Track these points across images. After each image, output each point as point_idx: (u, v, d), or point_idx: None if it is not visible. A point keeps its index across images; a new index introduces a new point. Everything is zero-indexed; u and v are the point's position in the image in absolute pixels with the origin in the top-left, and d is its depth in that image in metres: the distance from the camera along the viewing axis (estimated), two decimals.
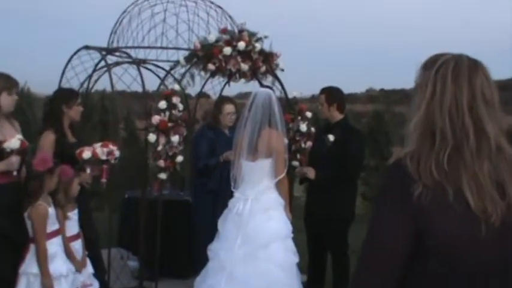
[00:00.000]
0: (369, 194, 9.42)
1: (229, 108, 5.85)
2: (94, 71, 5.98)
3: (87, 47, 6.02)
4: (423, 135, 1.71)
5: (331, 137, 5.48)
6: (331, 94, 5.59)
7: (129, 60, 6.09)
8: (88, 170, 4.83)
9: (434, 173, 1.64)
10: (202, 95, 7.12)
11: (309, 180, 5.64)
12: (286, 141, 5.07)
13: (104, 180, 4.96)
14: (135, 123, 11.24)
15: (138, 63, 6.04)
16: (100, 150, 4.84)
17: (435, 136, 1.69)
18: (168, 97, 5.53)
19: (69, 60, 5.96)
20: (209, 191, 5.76)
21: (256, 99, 4.82)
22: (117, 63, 6.05)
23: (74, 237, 4.56)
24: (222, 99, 6.06)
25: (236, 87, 6.64)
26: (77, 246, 4.57)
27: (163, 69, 6.46)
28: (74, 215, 4.56)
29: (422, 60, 1.79)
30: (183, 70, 5.88)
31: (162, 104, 5.50)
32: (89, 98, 6.35)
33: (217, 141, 5.79)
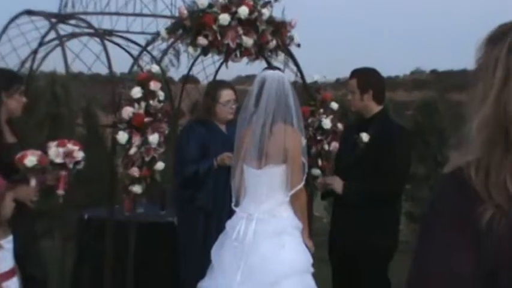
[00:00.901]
0: (416, 213, 9.28)
1: (227, 94, 5.77)
2: (40, 45, 5.97)
3: (29, 12, 5.98)
4: (492, 137, 1.64)
5: (364, 137, 5.39)
6: (365, 78, 5.48)
7: (90, 31, 6.09)
8: (32, 182, 4.75)
9: (510, 188, 1.58)
10: (190, 79, 7.14)
11: (334, 195, 5.56)
12: (304, 141, 5.06)
13: (60, 192, 4.96)
14: (98, 117, 11.18)
15: (102, 35, 6.06)
16: (55, 150, 4.82)
17: (509, 137, 1.63)
18: (143, 82, 5.49)
19: (3, 30, 5.95)
20: (200, 207, 5.71)
21: (266, 85, 4.82)
22: (72, 35, 6.10)
23: (8, 275, 4.34)
24: (218, 84, 5.99)
25: (235, 69, 6.71)
26: (13, 286, 4.38)
27: (136, 44, 6.47)
28: (7, 243, 4.37)
29: (487, 32, 1.69)
30: (164, 45, 5.92)
31: (136, 92, 5.46)
32: (33, 82, 6.70)
33: (210, 141, 5.74)
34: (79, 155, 4.91)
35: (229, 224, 4.90)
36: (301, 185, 4.84)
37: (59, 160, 4.82)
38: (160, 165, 5.54)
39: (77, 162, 4.93)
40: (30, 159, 4.70)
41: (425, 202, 1.75)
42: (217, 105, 5.76)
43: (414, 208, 9.61)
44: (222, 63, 6.47)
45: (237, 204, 4.92)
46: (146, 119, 5.45)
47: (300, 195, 4.89)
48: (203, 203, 5.70)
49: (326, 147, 6.15)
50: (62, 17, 6.13)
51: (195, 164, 5.68)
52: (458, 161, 1.67)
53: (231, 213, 5.00)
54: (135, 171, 5.46)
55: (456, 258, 1.61)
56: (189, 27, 5.75)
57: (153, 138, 5.46)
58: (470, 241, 1.60)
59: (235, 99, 5.81)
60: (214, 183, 5.63)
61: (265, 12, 5.83)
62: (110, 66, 5.77)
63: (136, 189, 5.53)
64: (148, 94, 5.49)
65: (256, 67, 5.96)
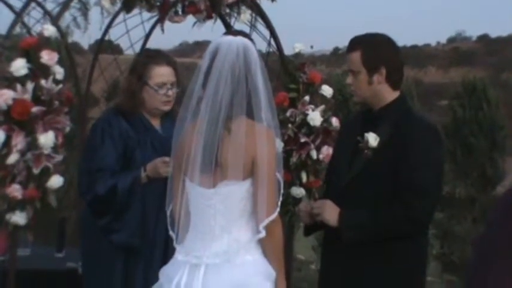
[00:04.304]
0: (454, 256, 8.47)
1: (161, 73, 5.18)
2: None
3: None
4: None
5: (372, 139, 4.74)
6: (374, 50, 4.83)
7: None
8: None
9: None
10: (104, 46, 6.83)
11: (325, 229, 4.88)
12: (280, 146, 4.38)
13: None
14: None
15: None
16: None
17: None
18: (31, 51, 5.21)
19: None
20: (119, 245, 5.09)
21: (218, 57, 4.17)
22: None
23: None
24: (148, 57, 5.33)
25: (177, 34, 6.60)
26: None
27: None
28: None
29: None
30: None
31: (19, 67, 5.12)
32: None
33: (137, 142, 5.20)
34: None
35: (164, 272, 4.21)
36: (275, 214, 4.10)
37: None
38: (56, 182, 5.13)
39: None
40: None
41: (475, 240, 0.83)
42: (146, 90, 5.16)
43: (450, 249, 8.71)
44: (154, 25, 6.26)
45: (179, 242, 4.23)
46: (34, 109, 5.04)
47: (274, 228, 4.15)
48: (124, 238, 5.09)
49: (314, 154, 5.78)
50: None
51: (113, 177, 5.07)
52: None
53: (167, 253, 4.51)
54: (15, 191, 5.03)
55: None
56: None
57: (46, 139, 5.07)
58: None
59: (176, 80, 5.22)
60: (142, 206, 5.04)
61: None
62: None
63: (18, 219, 5.08)
64: (38, 70, 5.13)
65: (208, 31, 5.69)
